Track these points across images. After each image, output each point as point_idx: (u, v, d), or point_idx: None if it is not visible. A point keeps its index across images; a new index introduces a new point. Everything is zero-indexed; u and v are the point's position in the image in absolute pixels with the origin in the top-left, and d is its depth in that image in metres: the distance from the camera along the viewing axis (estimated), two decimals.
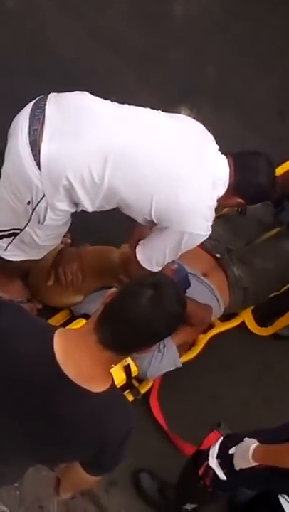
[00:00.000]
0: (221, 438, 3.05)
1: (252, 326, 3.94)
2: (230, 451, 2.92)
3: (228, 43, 4.62)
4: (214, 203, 2.99)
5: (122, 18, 4.59)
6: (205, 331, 3.78)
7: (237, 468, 2.90)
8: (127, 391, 3.53)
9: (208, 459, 2.99)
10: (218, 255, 3.80)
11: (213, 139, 3.05)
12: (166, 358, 3.51)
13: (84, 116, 2.84)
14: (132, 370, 3.44)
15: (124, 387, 3.49)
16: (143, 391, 3.61)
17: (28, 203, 2.91)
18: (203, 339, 3.77)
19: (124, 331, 1.93)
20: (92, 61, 4.38)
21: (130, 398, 3.52)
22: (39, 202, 2.88)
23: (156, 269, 3.10)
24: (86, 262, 3.52)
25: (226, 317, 3.90)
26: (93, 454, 2.07)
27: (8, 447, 2.12)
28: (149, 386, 3.63)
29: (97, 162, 2.79)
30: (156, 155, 2.87)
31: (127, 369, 3.43)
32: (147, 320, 1.92)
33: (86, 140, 2.80)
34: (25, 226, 3.02)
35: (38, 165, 2.79)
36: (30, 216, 2.96)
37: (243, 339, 3.92)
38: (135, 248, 3.15)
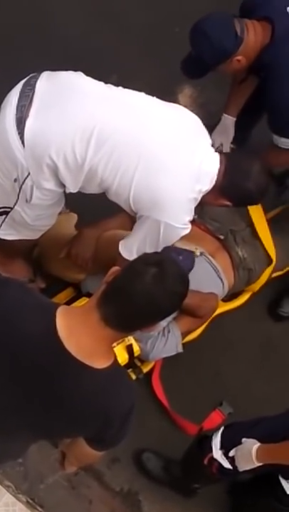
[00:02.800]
0: (222, 428, 3.07)
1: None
2: (231, 454, 2.94)
3: None
4: (196, 197, 2.93)
5: None
6: None
7: (240, 470, 2.92)
8: (130, 370, 3.53)
9: (212, 451, 3.01)
10: (221, 237, 3.79)
11: (208, 135, 3.01)
12: (169, 342, 3.51)
13: (73, 95, 2.81)
14: (135, 350, 3.44)
15: (126, 367, 3.49)
16: (145, 370, 3.62)
17: (15, 180, 2.89)
18: None
19: (126, 309, 1.94)
20: (95, 37, 4.36)
21: (132, 377, 3.52)
22: (25, 180, 2.87)
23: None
24: (100, 246, 3.47)
25: (229, 297, 3.90)
26: (96, 429, 2.09)
27: (12, 422, 2.13)
28: (151, 365, 3.65)
29: (80, 141, 2.76)
30: (140, 139, 2.82)
31: (129, 348, 3.43)
32: (150, 297, 1.93)
33: (71, 119, 2.77)
34: (15, 204, 3.01)
35: (23, 142, 2.78)
36: (18, 194, 2.95)
37: (245, 318, 3.92)
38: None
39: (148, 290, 1.92)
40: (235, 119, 3.78)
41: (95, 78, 2.94)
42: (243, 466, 2.90)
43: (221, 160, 2.94)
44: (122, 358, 3.40)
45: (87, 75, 2.94)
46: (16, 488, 3.28)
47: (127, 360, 3.44)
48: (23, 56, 4.03)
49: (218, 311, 3.82)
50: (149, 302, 1.93)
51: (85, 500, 3.39)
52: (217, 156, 2.96)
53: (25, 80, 2.87)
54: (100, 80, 2.93)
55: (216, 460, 3.00)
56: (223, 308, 3.86)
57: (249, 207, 3.76)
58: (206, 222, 3.77)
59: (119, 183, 2.86)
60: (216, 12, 3.32)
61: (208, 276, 3.64)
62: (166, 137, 2.86)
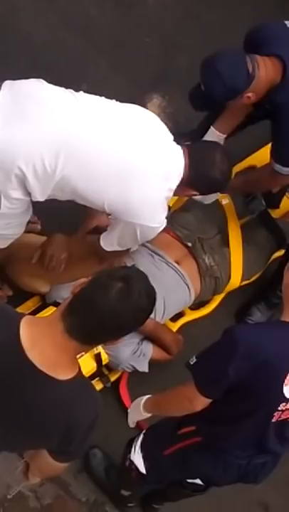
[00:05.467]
0: (144, 430, 3.05)
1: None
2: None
3: (201, 31, 4.62)
4: (167, 195, 3.01)
5: (94, 4, 4.57)
6: (175, 320, 3.81)
7: (131, 425, 2.98)
8: (97, 379, 3.54)
9: (130, 452, 3.00)
10: (189, 244, 3.82)
11: (167, 130, 3.05)
12: (139, 362, 3.56)
13: (37, 106, 2.81)
14: (103, 358, 3.45)
15: (94, 375, 3.50)
16: (113, 379, 3.62)
17: None
18: (174, 328, 3.79)
19: (90, 322, 1.94)
20: (64, 47, 4.35)
21: (100, 386, 3.54)
22: None
23: (119, 249, 3.20)
24: (72, 251, 3.51)
25: (197, 305, 3.91)
26: (59, 441, 2.08)
27: None
28: (118, 374, 3.65)
29: (49, 153, 2.78)
30: (107, 149, 2.86)
31: (97, 357, 3.44)
32: (114, 312, 1.93)
33: (38, 133, 2.78)
34: None
35: None
36: None
37: (212, 327, 3.91)
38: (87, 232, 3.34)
39: (112, 305, 1.92)
40: (225, 136, 3.70)
41: (65, 87, 2.94)
42: (132, 416, 2.93)
43: (184, 153, 3.00)
44: (90, 366, 3.41)
45: (56, 84, 2.94)
46: None
47: (95, 369, 3.45)
48: None
49: (185, 320, 3.85)
50: (113, 317, 1.93)
51: (50, 510, 3.36)
52: (180, 150, 3.02)
53: None
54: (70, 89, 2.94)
55: (133, 462, 2.98)
56: (191, 316, 3.89)
57: (229, 227, 3.86)
58: (175, 229, 3.80)
59: (92, 194, 2.92)
60: (228, 49, 3.30)
61: (175, 283, 3.68)
62: (133, 145, 2.90)
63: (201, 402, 2.56)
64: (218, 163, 3.05)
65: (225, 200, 3.91)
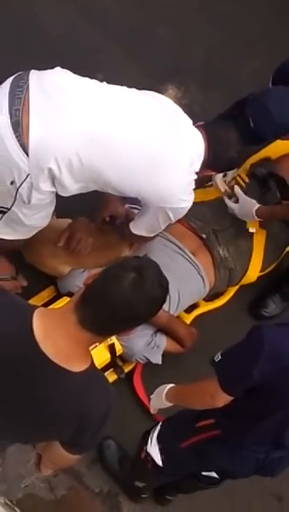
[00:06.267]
0: (161, 422, 3.04)
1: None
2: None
3: (216, 22, 4.61)
4: (193, 177, 3.07)
5: None
6: (189, 311, 3.81)
7: (152, 411, 2.98)
8: (111, 370, 3.54)
9: (146, 444, 2.99)
10: (204, 236, 3.81)
11: (185, 115, 3.09)
12: (152, 354, 3.57)
13: (66, 98, 2.81)
14: (117, 349, 3.45)
15: (108, 366, 3.51)
16: (127, 370, 3.62)
17: (12, 183, 2.88)
18: (188, 319, 3.78)
19: (104, 313, 1.93)
20: (80, 37, 4.35)
21: (114, 377, 3.54)
22: (22, 183, 2.86)
23: (152, 235, 3.28)
24: (96, 237, 3.54)
25: (211, 297, 3.91)
26: (72, 433, 2.08)
27: None
28: (132, 365, 3.65)
29: (83, 146, 2.80)
30: (136, 139, 2.89)
31: (111, 348, 3.44)
32: (127, 303, 1.92)
33: (71, 124, 2.79)
34: (12, 206, 3.00)
35: (22, 146, 2.76)
36: (15, 197, 2.94)
37: (227, 319, 3.92)
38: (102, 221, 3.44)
39: (125, 295, 1.92)
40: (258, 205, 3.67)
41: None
42: (154, 404, 2.93)
43: (203, 137, 3.05)
44: (104, 357, 3.42)
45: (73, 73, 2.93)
46: None
47: (109, 360, 3.45)
48: (5, 55, 4.01)
49: (199, 311, 3.85)
50: (126, 307, 1.93)
51: (63, 501, 3.37)
52: (200, 134, 3.05)
53: (12, 79, 2.85)
54: None
55: (149, 454, 2.97)
56: (205, 308, 3.88)
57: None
58: (189, 220, 3.79)
59: (124, 185, 2.97)
60: (278, 87, 3.32)
61: (190, 274, 3.68)
62: (162, 134, 2.95)
63: (223, 399, 2.56)
64: (234, 143, 3.11)
65: (252, 229, 3.88)
